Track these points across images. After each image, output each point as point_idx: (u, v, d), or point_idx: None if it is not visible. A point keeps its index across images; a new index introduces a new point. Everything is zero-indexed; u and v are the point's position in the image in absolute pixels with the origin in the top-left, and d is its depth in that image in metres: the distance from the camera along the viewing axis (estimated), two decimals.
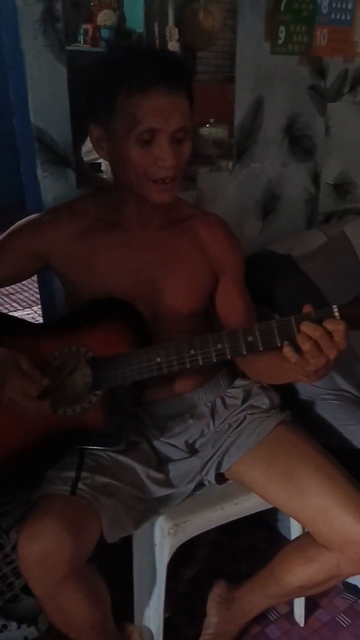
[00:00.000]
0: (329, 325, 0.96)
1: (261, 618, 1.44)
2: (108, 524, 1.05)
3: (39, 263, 1.20)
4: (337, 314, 0.97)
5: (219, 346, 1.03)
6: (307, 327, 0.96)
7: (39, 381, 1.04)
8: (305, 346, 0.96)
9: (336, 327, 0.96)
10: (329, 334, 0.96)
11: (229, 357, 1.04)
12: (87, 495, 1.05)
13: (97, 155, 1.16)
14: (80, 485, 1.06)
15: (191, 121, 1.09)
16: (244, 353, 1.02)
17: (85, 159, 1.34)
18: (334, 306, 0.98)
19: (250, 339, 1.01)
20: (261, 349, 1.01)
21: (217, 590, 1.34)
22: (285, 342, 0.99)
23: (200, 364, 1.04)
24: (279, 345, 1.00)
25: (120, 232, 1.18)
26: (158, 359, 1.05)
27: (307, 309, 0.99)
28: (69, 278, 1.19)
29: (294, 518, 1.21)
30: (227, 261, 1.25)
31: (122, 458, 1.16)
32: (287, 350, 0.99)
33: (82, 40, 1.28)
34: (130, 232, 1.18)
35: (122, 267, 1.17)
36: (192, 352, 1.04)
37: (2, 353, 1.04)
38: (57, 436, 1.10)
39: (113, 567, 1.38)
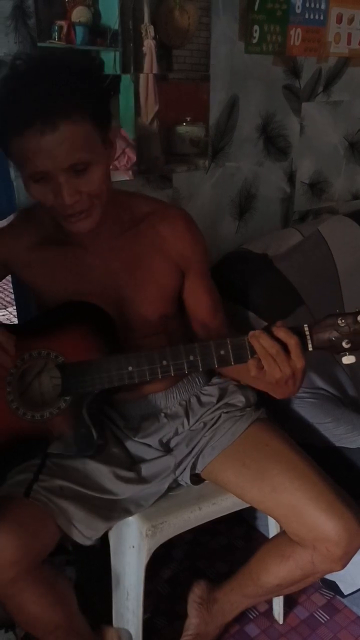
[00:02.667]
0: (282, 335, 0.98)
1: (240, 616, 1.44)
2: (70, 525, 1.05)
3: (3, 270, 1.17)
4: (307, 333, 0.99)
5: (191, 358, 1.03)
6: (259, 334, 0.98)
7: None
8: (260, 351, 0.99)
9: (289, 339, 0.98)
10: (287, 351, 0.98)
11: (200, 369, 1.04)
12: (41, 497, 1.05)
13: None
14: (35, 487, 1.05)
15: (98, 147, 0.98)
16: (216, 366, 1.04)
17: None
18: (304, 325, 1.00)
19: (222, 352, 1.02)
20: (232, 363, 1.02)
21: (198, 591, 1.34)
22: (255, 356, 1.01)
23: (172, 374, 1.04)
24: (249, 359, 1.02)
25: (75, 244, 1.14)
26: (130, 368, 1.04)
27: (279, 323, 1.00)
28: (32, 286, 1.17)
29: (270, 516, 1.22)
30: (191, 256, 1.20)
31: (88, 461, 1.15)
32: (251, 363, 1.01)
33: (56, 37, 1.27)
34: (85, 244, 1.13)
35: (83, 278, 1.14)
36: (164, 362, 1.03)
37: None
38: (24, 441, 1.09)
39: (92, 570, 1.37)
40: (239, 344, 1.02)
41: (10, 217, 1.19)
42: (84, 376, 1.06)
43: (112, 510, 1.14)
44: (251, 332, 1.00)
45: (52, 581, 1.08)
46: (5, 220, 1.19)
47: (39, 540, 1.02)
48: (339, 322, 0.98)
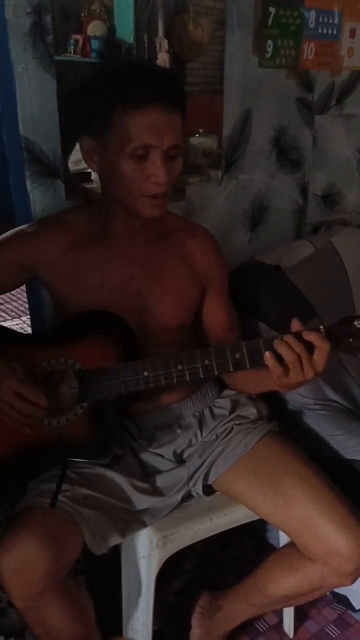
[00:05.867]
0: (314, 339, 0.99)
1: (250, 629, 1.43)
2: (91, 535, 1.05)
3: (26, 274, 1.20)
4: (323, 333, 1.00)
5: (207, 362, 1.04)
6: (290, 340, 0.99)
7: (36, 388, 1.03)
8: (289, 357, 0.99)
9: (322, 344, 0.99)
10: (311, 352, 0.99)
11: (216, 373, 1.05)
12: (68, 507, 1.05)
13: (85, 165, 1.16)
14: (60, 497, 1.06)
15: (183, 137, 1.09)
16: (232, 370, 1.04)
17: (73, 168, 1.34)
18: (320, 326, 1.01)
19: (237, 356, 1.03)
20: (248, 367, 1.03)
21: (200, 602, 1.34)
22: (268, 352, 1.01)
23: (187, 379, 1.05)
24: (265, 364, 1.02)
25: (108, 246, 1.18)
26: (145, 373, 1.06)
27: (295, 323, 1.01)
28: (56, 290, 1.19)
29: (280, 529, 1.21)
30: (214, 274, 1.26)
31: (106, 471, 1.15)
32: (270, 359, 1.00)
33: (72, 50, 1.29)
34: (118, 247, 1.18)
35: (109, 281, 1.17)
36: (180, 367, 1.04)
37: None
38: (41, 448, 1.10)
39: (102, 580, 1.37)
40: (254, 347, 1.02)
41: (39, 222, 1.20)
42: (100, 382, 1.08)
43: (128, 521, 1.14)
44: (278, 338, 1.01)
45: (75, 594, 1.07)
46: (32, 224, 1.20)
47: (66, 551, 1.01)
48: (355, 323, 1.00)
